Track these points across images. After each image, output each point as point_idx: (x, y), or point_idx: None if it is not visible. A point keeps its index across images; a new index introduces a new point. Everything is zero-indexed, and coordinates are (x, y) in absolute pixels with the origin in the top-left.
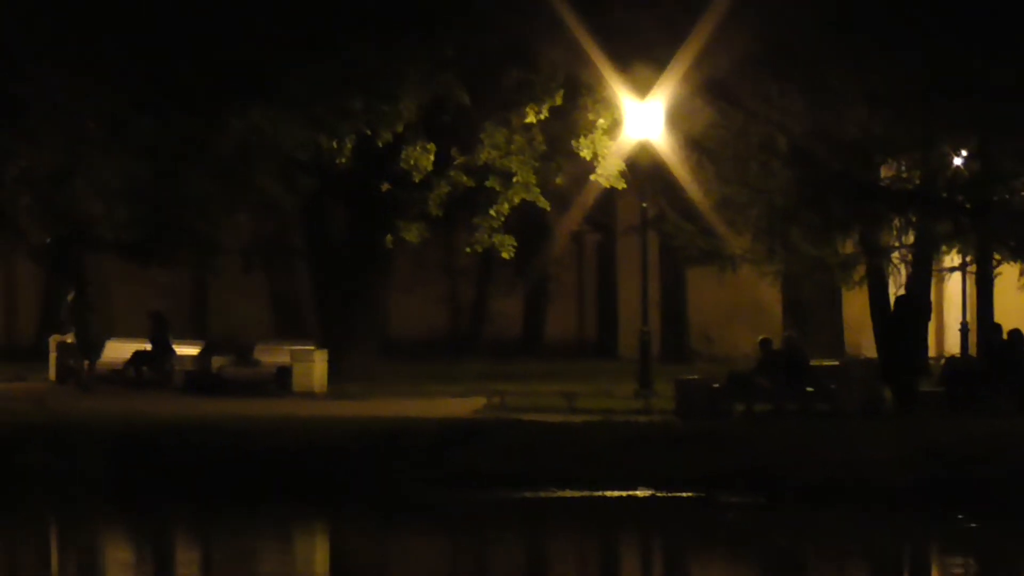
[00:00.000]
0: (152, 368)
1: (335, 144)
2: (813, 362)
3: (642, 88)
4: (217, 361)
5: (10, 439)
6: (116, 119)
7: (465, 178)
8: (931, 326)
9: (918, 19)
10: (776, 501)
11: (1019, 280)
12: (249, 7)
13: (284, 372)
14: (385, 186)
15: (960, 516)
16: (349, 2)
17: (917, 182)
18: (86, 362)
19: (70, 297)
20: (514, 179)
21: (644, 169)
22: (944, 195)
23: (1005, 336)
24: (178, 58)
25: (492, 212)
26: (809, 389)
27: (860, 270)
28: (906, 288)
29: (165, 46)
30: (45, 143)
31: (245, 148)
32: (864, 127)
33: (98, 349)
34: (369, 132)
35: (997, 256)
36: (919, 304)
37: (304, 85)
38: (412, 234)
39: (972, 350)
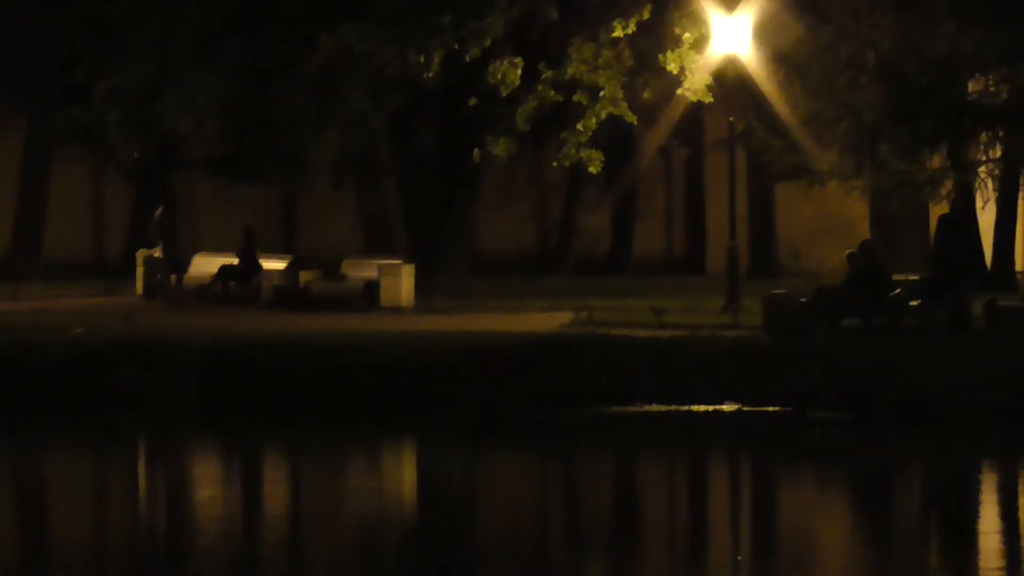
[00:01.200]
0: (239, 283)
1: (422, 59)
2: (900, 277)
3: (729, 2)
4: (304, 276)
5: (98, 356)
6: (206, 36)
7: (553, 93)
8: None
9: None
10: (864, 417)
11: None
12: None
13: (371, 287)
14: (473, 101)
15: None
16: None
17: (1005, 97)
18: (173, 277)
19: (158, 212)
20: (602, 94)
21: (731, 84)
22: None
23: None
24: None
25: (580, 127)
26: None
27: (947, 185)
28: (951, 207)
29: None
30: (135, 60)
31: (334, 65)
32: (953, 43)
33: (185, 264)
34: (457, 47)
35: None
36: (962, 222)
37: (394, 2)
38: (500, 149)
39: None
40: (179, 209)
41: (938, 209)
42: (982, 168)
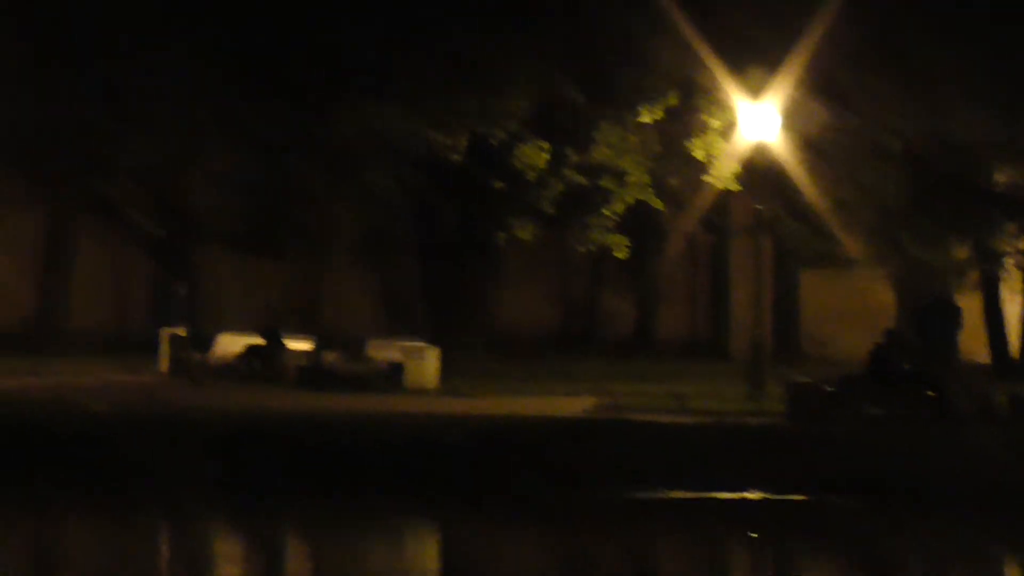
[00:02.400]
0: (264, 362)
1: (449, 141)
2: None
3: (756, 90)
4: (329, 356)
5: (123, 432)
6: (229, 112)
7: (579, 177)
8: None
9: None
10: (887, 505)
11: None
12: (361, 2)
13: (396, 368)
14: (499, 185)
15: None
16: None
17: None
18: (198, 355)
19: (180, 290)
20: (628, 179)
21: (758, 170)
22: None
23: None
24: (292, 51)
25: (606, 211)
26: (929, 393)
27: (973, 275)
28: (935, 295)
29: (279, 39)
30: (158, 134)
31: (356, 143)
32: (977, 130)
33: (209, 342)
34: (482, 129)
35: None
36: (945, 311)
37: (416, 81)
38: (525, 232)
39: None
40: (203, 285)
41: (965, 299)
42: (1008, 259)
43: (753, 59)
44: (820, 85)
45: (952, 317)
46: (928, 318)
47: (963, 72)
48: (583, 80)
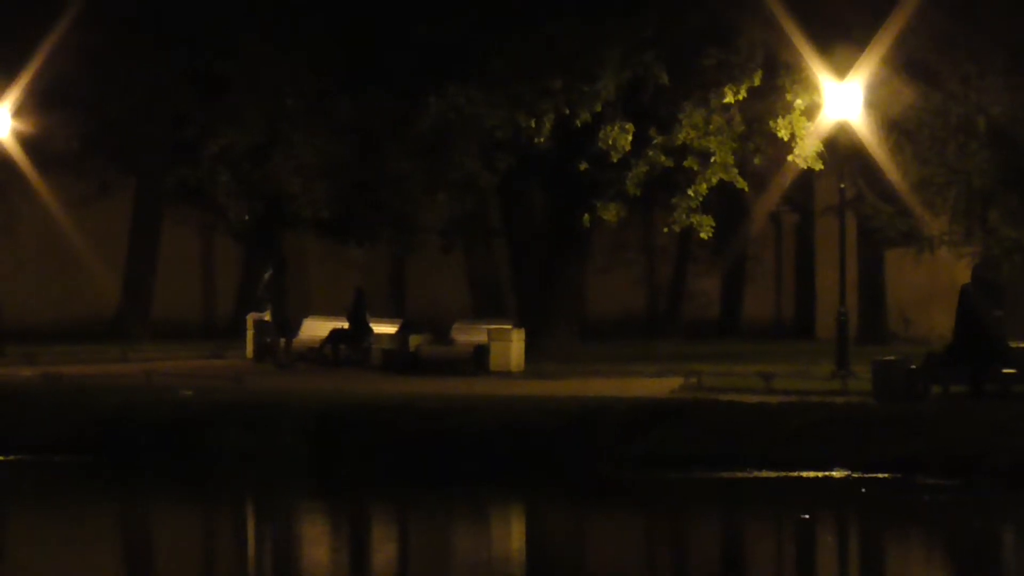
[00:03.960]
0: (349, 346)
1: (533, 123)
2: (1011, 343)
3: (841, 69)
4: (414, 340)
5: (208, 417)
6: (317, 97)
7: (663, 158)
8: None
9: None
10: (974, 484)
11: None
12: None
13: (481, 351)
14: (583, 166)
15: None
16: None
17: None
18: (283, 340)
19: (267, 275)
20: (712, 159)
21: (842, 150)
22: None
23: None
24: (379, 37)
25: (690, 192)
26: (1008, 371)
27: None
28: (972, 276)
29: (366, 24)
30: (246, 120)
31: (444, 127)
32: None
33: (295, 327)
34: (567, 111)
35: None
36: (986, 291)
37: (504, 64)
38: (610, 214)
39: None
40: (288, 271)
41: None
42: None
43: (839, 38)
44: (905, 64)
45: (993, 296)
46: (968, 298)
47: None
48: (669, 61)
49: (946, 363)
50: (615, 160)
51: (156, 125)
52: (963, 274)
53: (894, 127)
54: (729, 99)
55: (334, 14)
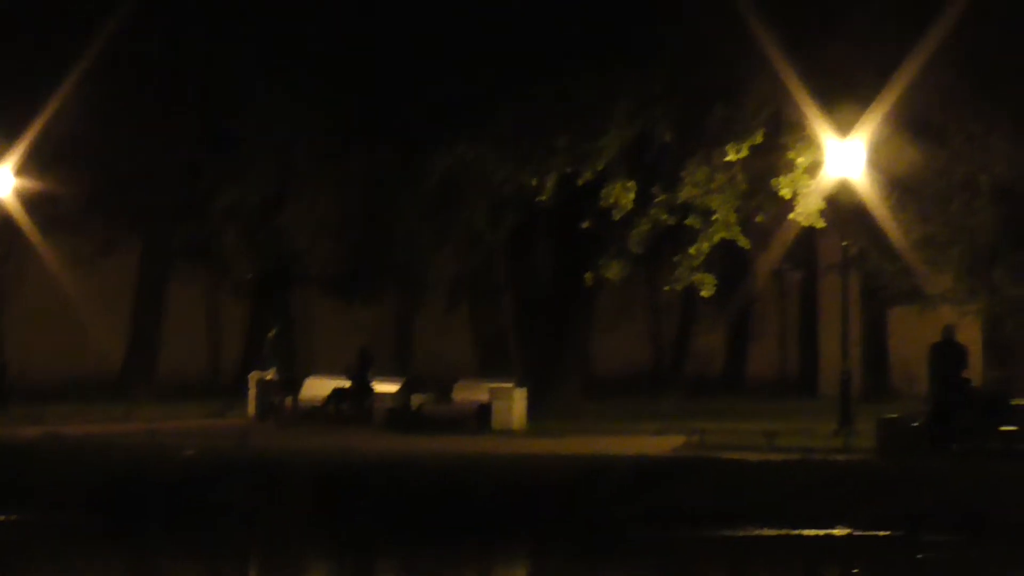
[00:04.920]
0: (351, 405)
1: (535, 181)
2: (1014, 401)
3: (844, 126)
4: (417, 398)
5: (212, 475)
6: (325, 153)
7: (666, 216)
8: None
9: None
10: (978, 541)
11: None
12: (458, 45)
13: (484, 410)
14: (586, 223)
15: None
16: (560, 38)
17: None
18: (288, 399)
19: (271, 334)
20: (715, 217)
21: (845, 207)
22: None
23: None
24: (387, 93)
25: (692, 250)
26: (1010, 428)
27: None
28: (942, 334)
29: (375, 81)
30: (254, 177)
31: (451, 183)
32: None
33: (298, 386)
34: (570, 169)
35: None
36: (951, 349)
37: (512, 121)
38: (613, 272)
39: None
40: (295, 329)
41: None
42: None
43: (844, 95)
44: (910, 121)
45: (958, 356)
46: (937, 357)
47: None
48: (676, 117)
49: (932, 422)
50: (617, 218)
51: (163, 183)
52: (967, 332)
53: (897, 185)
54: (731, 157)
55: (343, 69)
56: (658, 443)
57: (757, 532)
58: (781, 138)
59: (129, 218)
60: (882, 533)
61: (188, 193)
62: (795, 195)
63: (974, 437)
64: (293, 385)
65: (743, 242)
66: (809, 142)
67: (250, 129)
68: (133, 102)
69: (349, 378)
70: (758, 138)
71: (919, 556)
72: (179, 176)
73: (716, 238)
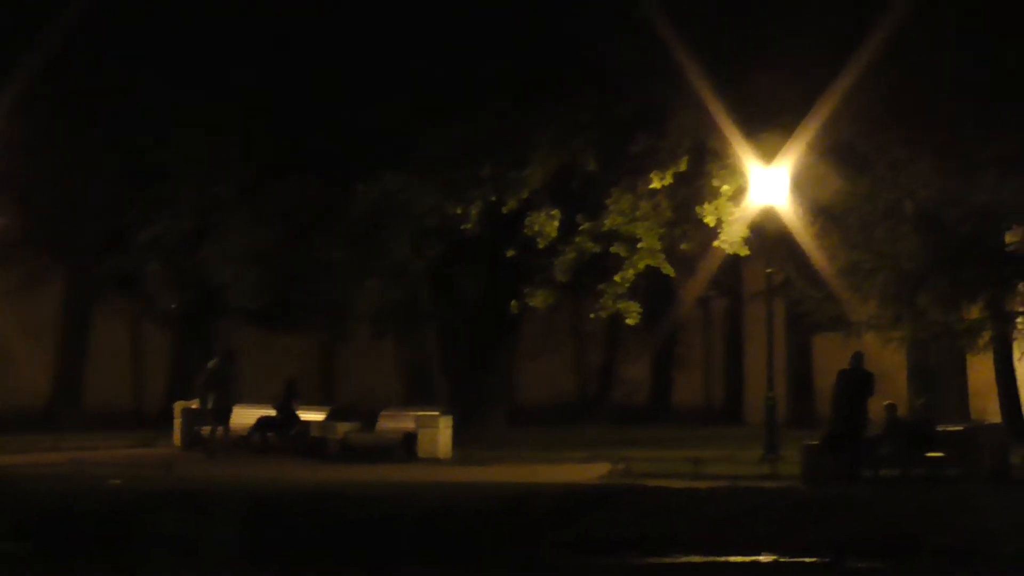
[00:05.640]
0: (277, 434)
1: (460, 210)
2: (939, 427)
3: (768, 154)
4: (342, 427)
5: (138, 505)
6: (248, 185)
7: (591, 244)
8: None
9: None
10: (904, 567)
11: None
12: (380, 76)
13: (409, 438)
14: (510, 252)
15: None
16: (483, 68)
17: None
18: (220, 428)
19: (211, 364)
20: (639, 245)
21: (770, 235)
22: None
23: None
24: (310, 125)
25: (618, 279)
26: (936, 454)
27: (986, 336)
28: (850, 361)
29: (297, 113)
30: (178, 209)
31: (375, 214)
32: (993, 192)
33: (229, 415)
34: (495, 198)
35: None
36: (859, 377)
37: (436, 151)
38: (538, 300)
39: None
40: (238, 358)
41: (976, 359)
42: (1020, 319)
43: (767, 122)
44: (834, 148)
45: (865, 384)
46: (844, 385)
47: (979, 135)
48: (599, 147)
49: (825, 449)
50: (542, 246)
51: (87, 215)
52: (891, 359)
53: (821, 212)
54: (655, 184)
55: (265, 101)
56: (584, 471)
57: (684, 559)
58: (705, 166)
59: (53, 250)
60: (808, 560)
61: (112, 225)
62: (720, 223)
63: (900, 463)
64: (226, 415)
65: (668, 270)
66: (733, 170)
67: (174, 162)
68: (56, 135)
69: (275, 407)
70: (682, 166)
71: None
72: (103, 208)
73: (641, 266)
